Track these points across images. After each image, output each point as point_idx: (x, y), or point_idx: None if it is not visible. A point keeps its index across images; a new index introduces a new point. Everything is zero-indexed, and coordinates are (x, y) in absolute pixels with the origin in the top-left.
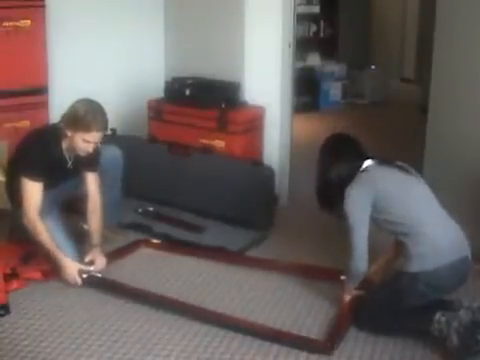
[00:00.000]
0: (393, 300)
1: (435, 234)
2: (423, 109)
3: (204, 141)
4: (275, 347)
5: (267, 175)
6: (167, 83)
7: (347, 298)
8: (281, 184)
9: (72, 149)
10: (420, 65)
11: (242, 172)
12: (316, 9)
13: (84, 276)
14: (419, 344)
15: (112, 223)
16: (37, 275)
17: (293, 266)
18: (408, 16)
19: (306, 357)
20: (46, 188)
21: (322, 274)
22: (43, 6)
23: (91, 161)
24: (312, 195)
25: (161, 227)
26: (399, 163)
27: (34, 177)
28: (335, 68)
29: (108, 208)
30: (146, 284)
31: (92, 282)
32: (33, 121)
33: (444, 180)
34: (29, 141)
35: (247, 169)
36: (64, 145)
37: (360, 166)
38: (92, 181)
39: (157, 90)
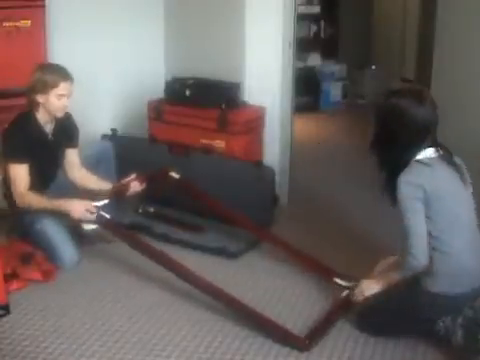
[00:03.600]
0: (403, 314)
1: (466, 258)
2: None
3: (204, 141)
4: (276, 347)
5: (267, 175)
6: (167, 83)
7: (365, 291)
8: (281, 184)
9: (49, 115)
10: (421, 65)
11: (242, 172)
12: (317, 9)
13: (93, 215)
14: (420, 343)
15: None
16: (37, 275)
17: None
18: (409, 16)
19: (306, 357)
20: (43, 182)
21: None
22: (43, 6)
23: (70, 135)
24: (312, 195)
25: (161, 227)
26: (458, 161)
27: (18, 158)
28: (335, 68)
29: (107, 210)
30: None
31: (101, 222)
32: None
33: None
34: (7, 127)
35: (247, 169)
36: (39, 116)
37: (418, 152)
38: (74, 156)
39: (157, 90)
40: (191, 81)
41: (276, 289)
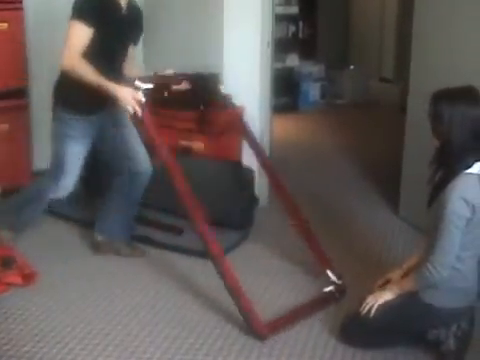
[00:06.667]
0: (395, 325)
1: (472, 277)
2: (402, 109)
3: (183, 143)
4: (257, 348)
5: (247, 176)
6: None
7: (378, 298)
8: (261, 185)
9: None
10: (399, 65)
11: (222, 173)
12: (295, 10)
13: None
14: (410, 348)
15: (127, 239)
16: (18, 280)
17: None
18: (387, 16)
19: (287, 356)
20: (107, 68)
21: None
22: (21, 9)
23: (139, 24)
24: (292, 195)
25: (141, 229)
26: None
27: (84, 19)
28: (314, 68)
29: (124, 224)
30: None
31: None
32: (13, 124)
33: (422, 182)
34: None
35: (227, 170)
36: None
37: (471, 164)
38: (132, 51)
39: None
40: None
41: (258, 287)
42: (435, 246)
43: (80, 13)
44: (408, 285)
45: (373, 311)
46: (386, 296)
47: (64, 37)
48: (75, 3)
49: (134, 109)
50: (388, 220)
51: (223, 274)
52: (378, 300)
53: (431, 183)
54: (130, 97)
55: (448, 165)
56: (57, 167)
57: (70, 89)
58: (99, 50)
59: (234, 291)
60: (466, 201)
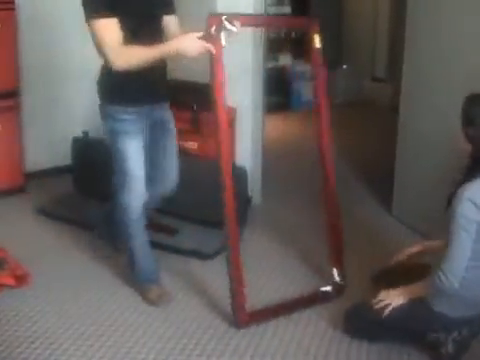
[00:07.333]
0: (397, 323)
1: (476, 285)
2: (395, 109)
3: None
4: (252, 347)
5: (240, 176)
6: None
7: (392, 299)
8: (254, 184)
9: None
10: (392, 64)
11: (215, 173)
12: (287, 10)
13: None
14: (404, 346)
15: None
16: (10, 281)
17: None
18: (379, 15)
19: (282, 356)
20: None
21: None
22: (13, 9)
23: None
24: (285, 195)
25: None
26: None
27: (103, 11)
28: (307, 68)
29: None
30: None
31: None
32: (4, 125)
33: (414, 181)
34: None
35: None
36: None
37: None
38: (171, 23)
39: None
40: None
41: (254, 286)
42: (447, 253)
43: (96, 9)
44: (420, 291)
45: (387, 312)
46: (399, 300)
47: (94, 41)
48: (84, 1)
49: (205, 49)
50: (381, 219)
51: (231, 260)
52: (392, 302)
53: (454, 186)
54: (193, 40)
55: (473, 169)
56: (120, 171)
57: (114, 80)
58: (128, 35)
59: (234, 273)
60: (475, 204)
